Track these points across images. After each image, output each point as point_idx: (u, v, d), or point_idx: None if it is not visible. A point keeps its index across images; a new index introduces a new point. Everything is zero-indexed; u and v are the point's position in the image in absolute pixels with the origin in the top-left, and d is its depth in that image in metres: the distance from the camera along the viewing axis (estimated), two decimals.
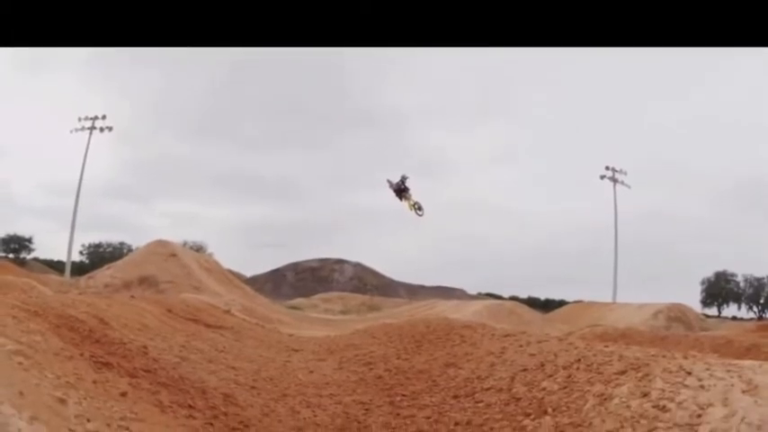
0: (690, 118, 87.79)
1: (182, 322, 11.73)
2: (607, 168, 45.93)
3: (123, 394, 4.71)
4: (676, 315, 36.48)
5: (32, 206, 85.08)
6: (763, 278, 59.89)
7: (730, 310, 61.48)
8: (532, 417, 4.99)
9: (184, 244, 51.56)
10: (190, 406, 5.26)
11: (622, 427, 4.08)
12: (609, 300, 43.86)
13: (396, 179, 16.84)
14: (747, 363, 4.54)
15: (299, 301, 56.04)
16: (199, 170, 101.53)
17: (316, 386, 7.61)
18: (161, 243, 36.21)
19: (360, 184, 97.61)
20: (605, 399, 4.59)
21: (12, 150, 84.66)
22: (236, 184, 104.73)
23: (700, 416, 3.76)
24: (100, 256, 58.02)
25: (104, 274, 33.67)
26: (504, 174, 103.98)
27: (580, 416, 4.56)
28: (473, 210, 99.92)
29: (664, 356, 5.15)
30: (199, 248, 56.63)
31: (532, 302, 57.35)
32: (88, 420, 3.68)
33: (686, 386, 4.18)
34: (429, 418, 5.85)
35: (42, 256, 60.05)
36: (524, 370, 6.22)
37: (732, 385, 3.94)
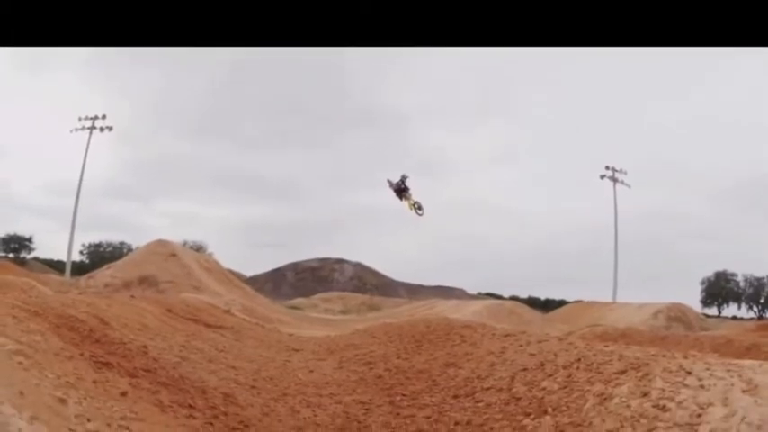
0: (690, 118, 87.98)
1: (182, 322, 11.73)
2: (607, 168, 45.97)
3: (123, 394, 4.71)
4: (676, 315, 36.48)
5: (32, 206, 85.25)
6: (763, 278, 59.92)
7: (730, 309, 61.55)
8: (532, 416, 4.99)
9: (184, 244, 51.59)
10: (190, 405, 5.26)
11: (622, 426, 4.08)
12: (609, 299, 43.86)
13: (396, 179, 16.83)
14: (747, 362, 4.54)
15: (299, 300, 56.05)
16: (199, 170, 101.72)
17: (316, 386, 7.61)
18: (161, 243, 36.21)
19: (360, 183, 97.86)
20: (605, 398, 4.59)
21: (12, 150, 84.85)
22: (237, 183, 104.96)
23: (700, 415, 3.76)
24: (100, 256, 58.02)
25: (104, 274, 33.67)
26: (504, 174, 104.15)
27: (580, 415, 4.56)
28: (473, 210, 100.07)
29: (664, 356, 5.15)
30: (199, 248, 56.64)
31: (532, 302, 57.36)
32: (88, 420, 3.68)
33: (686, 386, 4.18)
34: (429, 417, 5.85)
35: (42, 256, 60.16)
36: (524, 369, 6.23)
37: (732, 385, 3.94)
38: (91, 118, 42.40)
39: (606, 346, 6.47)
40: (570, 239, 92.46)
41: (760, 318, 55.96)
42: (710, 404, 3.82)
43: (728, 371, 4.23)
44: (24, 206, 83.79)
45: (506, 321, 27.12)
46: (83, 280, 34.13)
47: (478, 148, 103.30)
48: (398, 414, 6.15)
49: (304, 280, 78.35)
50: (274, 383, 7.46)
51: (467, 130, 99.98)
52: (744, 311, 60.87)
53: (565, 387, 5.25)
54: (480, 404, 5.82)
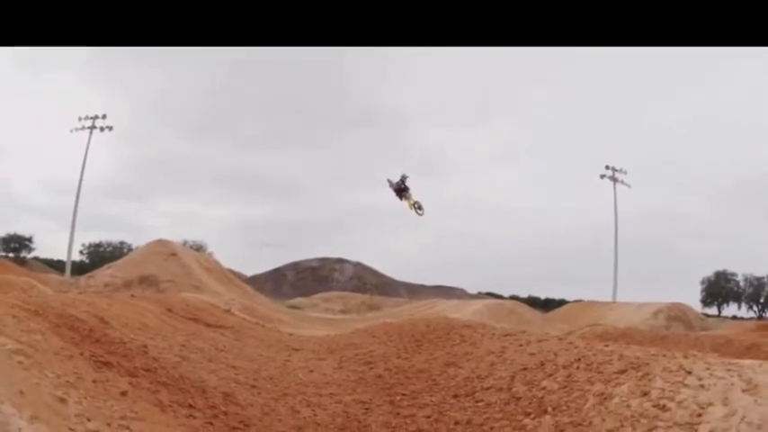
0: (690, 118, 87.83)
1: (182, 321, 11.74)
2: (607, 168, 45.92)
3: (123, 393, 4.71)
4: (676, 314, 36.48)
5: (33, 205, 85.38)
6: (763, 277, 59.88)
7: (730, 309, 61.51)
8: (532, 416, 5.00)
9: (184, 243, 51.57)
10: (190, 405, 5.26)
11: (622, 426, 4.09)
12: (609, 299, 43.85)
13: (396, 179, 16.84)
14: (747, 362, 4.54)
15: (299, 300, 56.05)
16: (199, 169, 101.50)
17: (316, 385, 7.62)
18: (161, 242, 36.20)
19: (360, 183, 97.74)
20: (605, 398, 4.59)
21: (12, 150, 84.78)
22: (237, 183, 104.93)
23: (700, 415, 3.77)
24: (100, 256, 58.02)
25: (104, 274, 33.66)
26: (504, 173, 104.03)
27: (580, 415, 4.56)
28: (473, 209, 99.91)
29: (664, 356, 5.15)
30: (199, 248, 56.66)
31: (532, 302, 57.35)
32: (88, 419, 3.68)
33: (686, 385, 4.18)
34: (429, 417, 5.85)
35: (42, 256, 60.19)
36: (524, 369, 6.23)
37: (732, 384, 3.95)
38: (91, 118, 42.40)
39: (606, 345, 6.47)
40: (570, 239, 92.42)
41: (760, 317, 55.96)
42: (710, 404, 3.82)
43: (728, 370, 4.23)
44: (24, 206, 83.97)
45: (506, 321, 27.11)
46: (83, 279, 34.13)
47: (478, 148, 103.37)
48: (398, 414, 6.15)
49: (304, 279, 78.35)
50: (274, 383, 7.46)
51: (467, 129, 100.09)
52: (744, 311, 60.93)
53: (565, 387, 5.25)
54: (480, 404, 5.82)
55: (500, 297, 55.53)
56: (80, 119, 42.42)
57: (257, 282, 64.62)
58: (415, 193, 16.84)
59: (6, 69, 77.73)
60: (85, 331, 6.45)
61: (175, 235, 79.28)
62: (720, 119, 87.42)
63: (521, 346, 7.34)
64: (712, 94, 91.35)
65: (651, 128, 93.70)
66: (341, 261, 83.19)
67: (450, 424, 5.51)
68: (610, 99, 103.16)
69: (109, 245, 63.32)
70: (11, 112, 78.81)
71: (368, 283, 76.98)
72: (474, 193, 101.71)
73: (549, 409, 4.96)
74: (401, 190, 16.71)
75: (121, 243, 62.69)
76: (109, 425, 3.82)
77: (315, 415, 6.12)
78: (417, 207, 16.88)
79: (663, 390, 4.25)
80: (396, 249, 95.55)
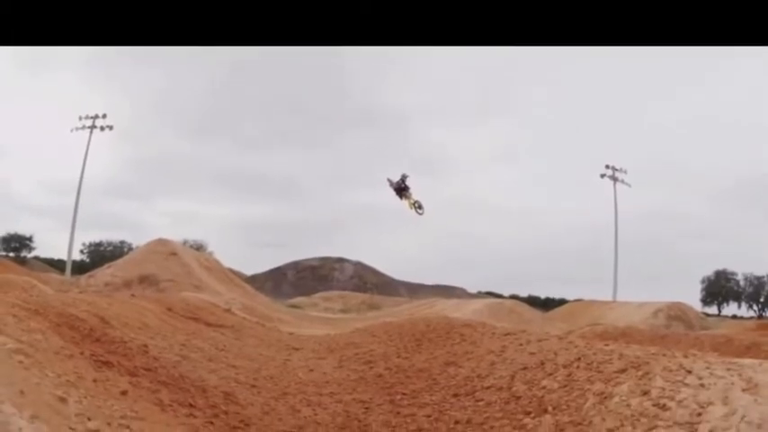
0: (690, 118, 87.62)
1: (182, 321, 11.75)
2: (607, 167, 45.95)
3: (124, 393, 4.71)
4: (676, 314, 36.50)
5: (33, 205, 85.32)
6: (764, 277, 59.86)
7: (730, 308, 61.50)
8: (533, 415, 5.00)
9: (185, 243, 51.57)
10: (190, 404, 5.26)
11: (622, 425, 4.09)
12: (609, 298, 43.90)
13: (396, 178, 16.83)
14: (747, 361, 4.55)
15: (299, 299, 56.06)
16: (199, 169, 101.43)
17: (316, 385, 7.62)
18: (161, 242, 36.23)
19: (360, 183, 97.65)
20: (605, 397, 4.59)
21: (12, 149, 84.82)
22: (237, 183, 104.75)
23: (700, 414, 3.77)
24: (100, 255, 58.03)
25: (105, 273, 33.68)
26: (504, 173, 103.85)
27: (580, 414, 4.57)
28: (473, 209, 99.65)
29: (664, 355, 5.16)
30: (199, 247, 56.68)
31: (532, 301, 57.35)
32: (89, 419, 3.68)
33: (686, 385, 4.18)
34: (429, 416, 5.85)
35: (43, 255, 60.20)
36: (524, 368, 6.23)
37: (732, 384, 3.95)
38: (91, 117, 42.48)
39: (606, 344, 6.47)
40: (570, 239, 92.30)
41: (760, 317, 55.98)
42: (711, 403, 3.83)
43: (728, 370, 4.23)
44: (25, 205, 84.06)
45: (506, 320, 27.12)
46: (83, 279, 34.16)
47: (479, 148, 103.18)
48: (399, 413, 6.16)
49: (304, 279, 78.33)
50: (275, 382, 7.47)
51: (467, 129, 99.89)
52: (744, 310, 60.93)
53: (565, 386, 5.26)
54: (480, 403, 5.82)
55: (500, 296, 55.53)
56: (80, 118, 42.58)
57: (257, 281, 64.62)
58: (415, 192, 16.85)
59: (6, 69, 77.84)
60: (86, 331, 6.45)
61: (176, 234, 79.53)
62: (720, 119, 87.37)
63: (521, 345, 7.34)
64: (712, 94, 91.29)
65: (651, 128, 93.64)
66: (341, 260, 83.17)
67: (450, 423, 5.51)
68: (610, 99, 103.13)
69: (109, 244, 63.40)
70: (11, 112, 78.90)
71: (368, 282, 76.99)
72: (474, 192, 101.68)
73: (550, 408, 4.96)
74: (401, 189, 16.71)
75: (122, 242, 62.82)
76: (109, 424, 3.82)
77: (315, 414, 6.12)
78: (417, 206, 16.88)
79: (663, 389, 4.25)
80: (396, 249, 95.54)
